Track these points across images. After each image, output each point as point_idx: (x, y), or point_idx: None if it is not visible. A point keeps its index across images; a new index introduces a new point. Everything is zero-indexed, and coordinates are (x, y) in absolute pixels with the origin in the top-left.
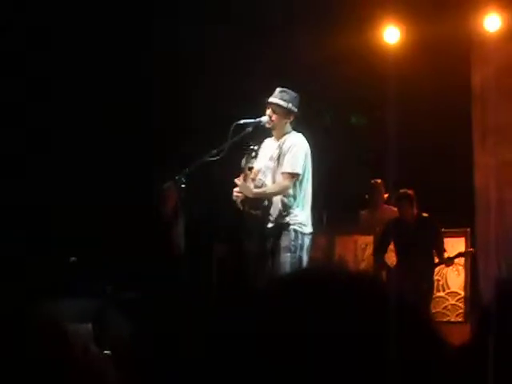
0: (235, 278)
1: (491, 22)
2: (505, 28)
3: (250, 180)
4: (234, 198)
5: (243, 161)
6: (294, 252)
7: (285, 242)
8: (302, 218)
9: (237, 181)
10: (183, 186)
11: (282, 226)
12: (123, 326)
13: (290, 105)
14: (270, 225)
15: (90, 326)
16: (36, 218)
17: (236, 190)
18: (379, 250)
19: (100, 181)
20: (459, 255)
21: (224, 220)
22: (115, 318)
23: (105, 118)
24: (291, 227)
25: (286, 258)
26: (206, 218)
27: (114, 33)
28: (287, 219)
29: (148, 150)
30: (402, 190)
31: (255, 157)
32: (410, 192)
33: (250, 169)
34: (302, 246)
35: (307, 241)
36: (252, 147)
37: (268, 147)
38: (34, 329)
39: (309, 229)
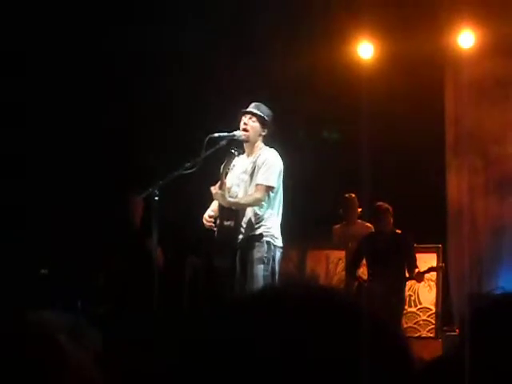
0: (207, 291)
1: (465, 39)
2: (478, 45)
3: (225, 189)
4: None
5: (222, 167)
6: (267, 264)
7: (258, 253)
8: (274, 230)
9: (212, 189)
10: (157, 198)
11: (254, 238)
12: (95, 340)
13: (265, 116)
14: (241, 236)
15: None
16: (8, 230)
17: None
18: (353, 265)
19: (73, 193)
20: (430, 270)
21: (198, 232)
22: (88, 333)
23: (77, 131)
24: (264, 239)
25: (258, 270)
26: (180, 230)
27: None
28: (260, 230)
29: (122, 162)
30: (380, 203)
31: (233, 163)
32: (387, 205)
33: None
34: (274, 258)
35: (279, 254)
36: (232, 152)
37: (241, 162)
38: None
39: (280, 242)
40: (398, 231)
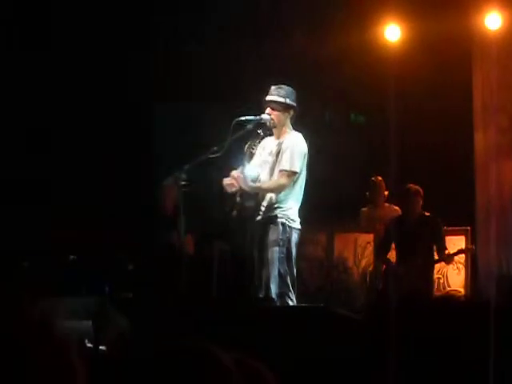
0: (233, 276)
1: (492, 21)
2: (506, 26)
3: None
4: (226, 187)
5: (245, 148)
6: (282, 246)
7: (273, 235)
8: (291, 212)
9: (234, 172)
10: (183, 182)
11: (270, 219)
12: (121, 324)
13: (287, 100)
14: (258, 217)
15: (85, 323)
16: (36, 216)
17: (227, 180)
18: (381, 248)
19: (100, 180)
20: (459, 252)
21: (224, 217)
22: (114, 317)
23: (104, 117)
24: (279, 220)
25: (274, 253)
26: (207, 214)
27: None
28: (276, 212)
29: (148, 148)
30: (410, 185)
31: (256, 145)
32: (418, 188)
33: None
34: (289, 240)
35: (295, 235)
36: (259, 132)
37: (268, 144)
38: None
39: (297, 224)
40: (427, 214)
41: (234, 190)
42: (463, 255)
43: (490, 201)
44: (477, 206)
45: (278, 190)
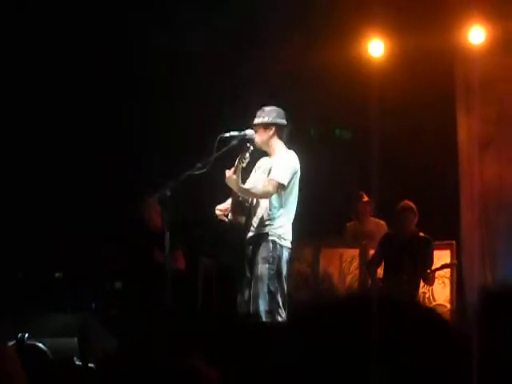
0: (219, 292)
1: (475, 35)
2: (489, 41)
3: (239, 175)
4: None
5: (238, 159)
6: (272, 263)
7: (263, 252)
8: (282, 230)
9: (227, 172)
10: (168, 199)
11: (260, 237)
12: (107, 340)
13: (269, 118)
14: (250, 234)
15: (75, 340)
16: (23, 233)
17: (219, 207)
18: (373, 264)
19: (85, 196)
20: (443, 267)
21: (210, 233)
22: (100, 333)
23: (89, 131)
24: (270, 238)
25: (263, 270)
26: (192, 231)
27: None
28: (267, 230)
29: (134, 163)
30: (405, 201)
31: (250, 153)
32: (412, 205)
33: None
34: (280, 258)
35: (286, 253)
36: (248, 145)
37: (263, 162)
38: None
39: (288, 243)
40: (421, 234)
41: (223, 218)
42: (448, 269)
43: (474, 214)
44: (462, 219)
45: (263, 196)
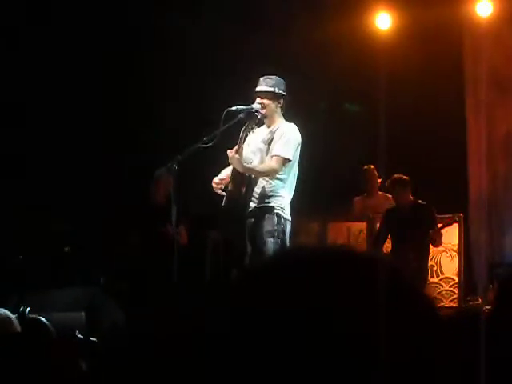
0: (226, 265)
1: (483, 8)
2: (496, 13)
3: (242, 153)
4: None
5: (242, 130)
6: (277, 237)
7: (268, 226)
8: (285, 203)
9: (229, 152)
10: (176, 172)
11: (265, 209)
12: (115, 314)
13: (276, 89)
14: (252, 205)
15: (82, 314)
16: (32, 209)
17: (216, 179)
18: (378, 241)
19: (92, 171)
20: (448, 223)
21: (217, 207)
22: (108, 307)
23: (97, 106)
24: (275, 211)
25: (268, 244)
26: (199, 205)
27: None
28: (271, 203)
29: (141, 137)
30: (396, 175)
31: (253, 130)
32: (405, 177)
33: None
34: (284, 231)
35: (289, 227)
36: (256, 114)
37: (260, 132)
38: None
39: (289, 216)
40: (420, 201)
41: (219, 192)
42: (456, 243)
43: (482, 188)
44: (470, 192)
45: (269, 173)
